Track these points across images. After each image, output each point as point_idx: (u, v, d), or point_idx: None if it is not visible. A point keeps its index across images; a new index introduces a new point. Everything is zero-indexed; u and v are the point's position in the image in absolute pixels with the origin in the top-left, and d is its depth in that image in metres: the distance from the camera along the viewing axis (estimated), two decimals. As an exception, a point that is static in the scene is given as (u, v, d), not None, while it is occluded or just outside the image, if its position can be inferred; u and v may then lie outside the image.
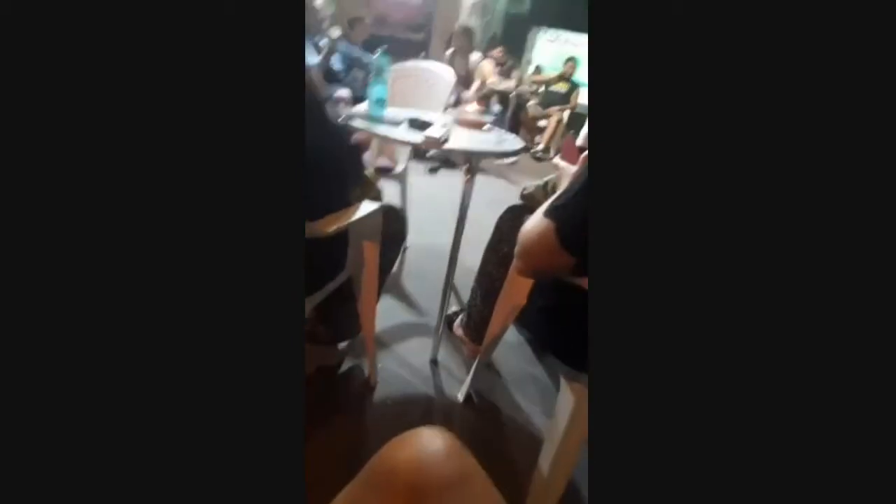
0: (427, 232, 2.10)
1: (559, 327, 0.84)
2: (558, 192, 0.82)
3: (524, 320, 0.94)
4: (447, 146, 1.16)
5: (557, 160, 0.95)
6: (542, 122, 4.94)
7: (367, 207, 0.95)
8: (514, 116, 4.93)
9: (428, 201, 2.35)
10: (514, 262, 0.73)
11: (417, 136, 1.15)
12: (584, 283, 0.73)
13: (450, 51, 4.19)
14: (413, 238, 2.06)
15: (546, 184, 1.10)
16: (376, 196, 1.17)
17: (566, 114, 4.88)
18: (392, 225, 1.18)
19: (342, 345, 1.33)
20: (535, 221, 0.68)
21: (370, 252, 1.00)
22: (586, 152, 0.91)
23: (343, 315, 1.17)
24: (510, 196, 1.98)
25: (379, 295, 1.21)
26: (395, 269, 1.85)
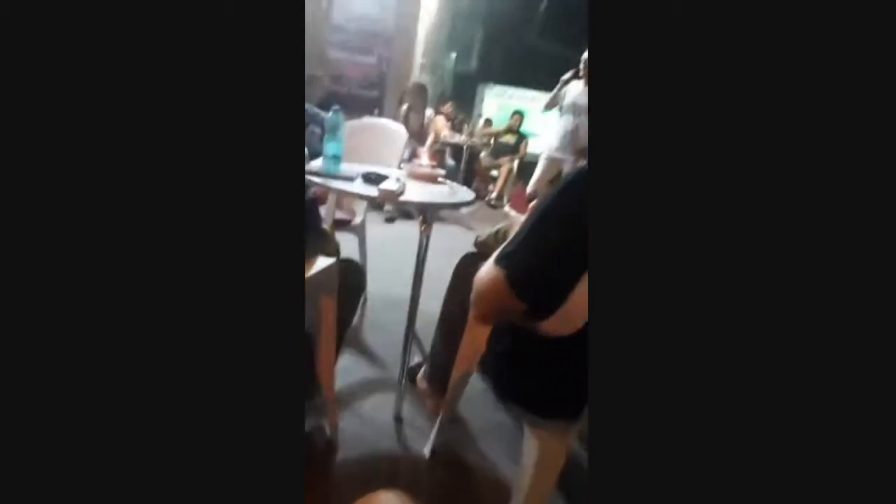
0: (386, 282, 2.09)
1: (518, 373, 0.85)
2: (508, 240, 0.86)
3: (485, 366, 0.95)
4: (403, 198, 1.18)
5: (508, 209, 1.00)
6: (494, 172, 5.15)
7: (322, 262, 0.95)
8: (468, 167, 5.12)
9: (386, 252, 2.36)
10: (472, 309, 0.74)
11: (373, 190, 1.18)
12: (540, 328, 0.75)
13: (404, 107, 4.35)
14: (373, 289, 2.05)
15: (498, 231, 1.14)
16: (334, 250, 1.17)
17: (516, 163, 5.12)
18: (350, 278, 1.18)
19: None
20: (487, 269, 0.71)
21: (327, 307, 0.98)
22: (535, 201, 0.96)
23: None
24: (466, 243, 2.03)
25: (339, 350, 1.19)
26: (354, 321, 1.82)
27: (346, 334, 1.25)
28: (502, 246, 0.73)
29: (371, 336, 1.77)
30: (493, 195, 4.92)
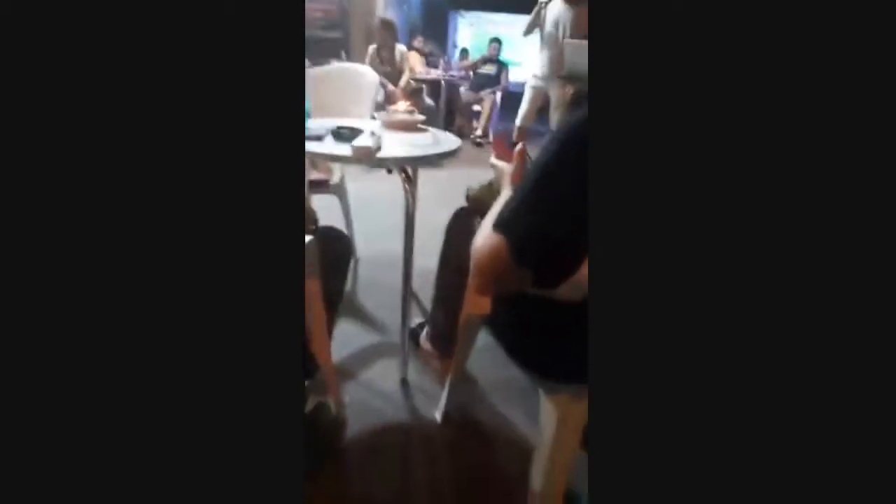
0: (377, 239, 2.00)
1: (529, 339, 0.78)
2: (502, 199, 0.75)
3: (493, 328, 0.88)
4: (380, 154, 1.06)
5: (494, 160, 0.89)
6: (476, 107, 4.90)
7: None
8: (448, 104, 4.86)
9: (374, 206, 2.23)
10: (471, 280, 0.66)
11: (345, 148, 1.05)
12: (548, 294, 0.67)
13: (372, 46, 4.04)
14: (363, 248, 1.96)
15: (491, 184, 1.03)
16: (311, 221, 1.06)
17: (499, 95, 4.86)
18: (334, 248, 1.08)
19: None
20: (486, 237, 0.62)
21: (310, 290, 0.90)
22: (519, 145, 0.85)
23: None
24: (455, 189, 1.92)
25: (332, 326, 1.11)
26: (347, 286, 1.74)
27: (338, 307, 1.17)
28: (499, 208, 0.63)
29: (367, 299, 1.70)
30: (478, 132, 4.71)
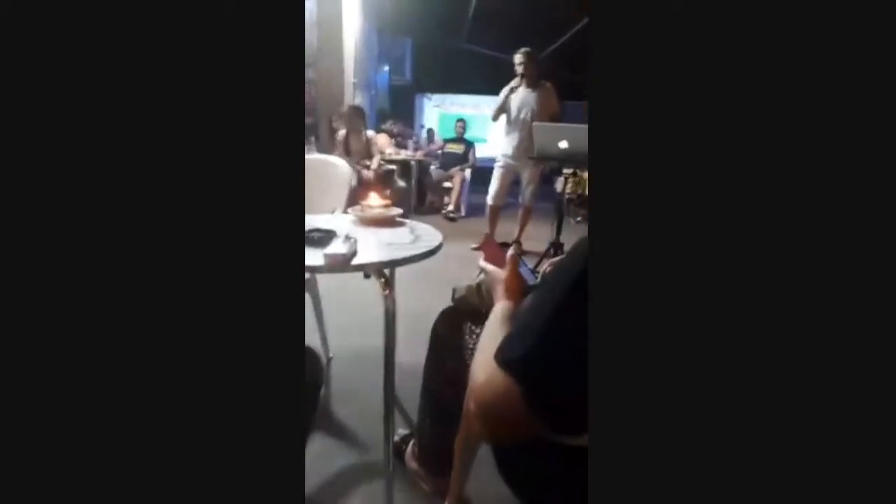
0: (351, 336, 1.86)
1: (544, 486, 0.65)
2: (498, 316, 0.66)
3: (499, 468, 0.75)
4: (356, 261, 0.97)
5: (483, 263, 0.80)
6: (446, 184, 4.98)
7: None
8: (419, 184, 4.94)
9: (346, 299, 2.11)
10: (478, 427, 0.54)
11: (318, 256, 0.95)
12: (565, 440, 0.56)
13: (341, 132, 4.11)
14: (337, 345, 1.81)
15: (479, 286, 0.94)
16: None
17: (468, 172, 4.98)
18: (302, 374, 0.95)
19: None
20: (491, 376, 0.51)
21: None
22: (511, 251, 0.77)
23: None
24: (434, 274, 1.82)
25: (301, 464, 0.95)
26: (322, 391, 1.57)
27: (307, 438, 1.01)
28: (502, 340, 0.53)
29: (343, 411, 1.53)
30: (450, 207, 4.75)
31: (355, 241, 1.00)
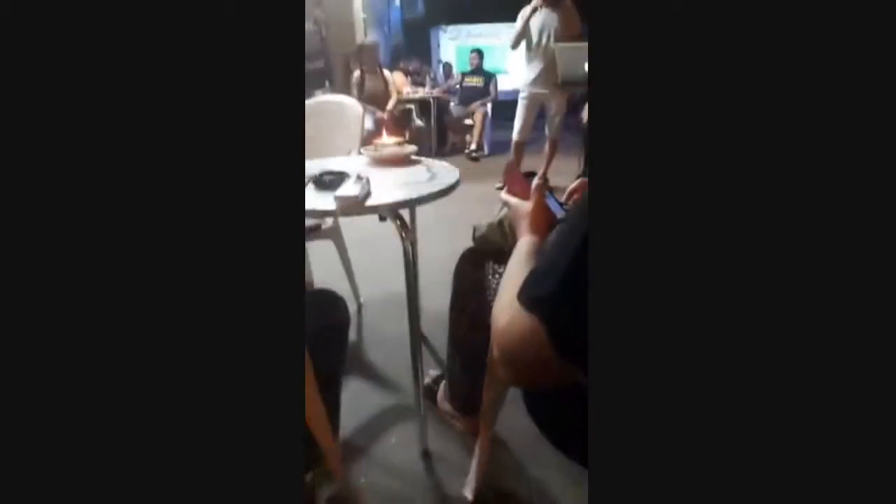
0: (379, 281, 1.85)
1: (567, 423, 0.61)
2: (522, 252, 0.60)
3: (525, 402, 0.72)
4: (370, 203, 0.92)
5: (505, 195, 0.73)
6: (467, 121, 4.78)
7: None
8: (439, 122, 4.75)
9: (375, 245, 2.09)
10: (502, 373, 0.50)
11: (328, 200, 0.90)
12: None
13: (356, 72, 3.94)
14: (366, 292, 1.81)
15: (501, 223, 0.88)
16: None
17: (489, 106, 4.74)
18: (327, 316, 0.93)
19: (307, 477, 1.06)
20: (515, 318, 0.46)
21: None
22: (536, 180, 0.70)
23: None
24: (456, 214, 1.76)
25: (336, 410, 0.95)
26: (353, 338, 1.59)
27: (340, 380, 1.01)
28: (525, 277, 0.48)
29: (374, 351, 1.54)
30: (472, 146, 4.58)
31: (368, 182, 0.94)
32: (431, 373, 1.32)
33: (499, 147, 4.60)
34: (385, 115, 3.77)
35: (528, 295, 0.45)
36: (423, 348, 1.16)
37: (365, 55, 3.88)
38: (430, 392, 1.26)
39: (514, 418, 1.12)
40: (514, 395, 0.89)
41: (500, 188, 3.05)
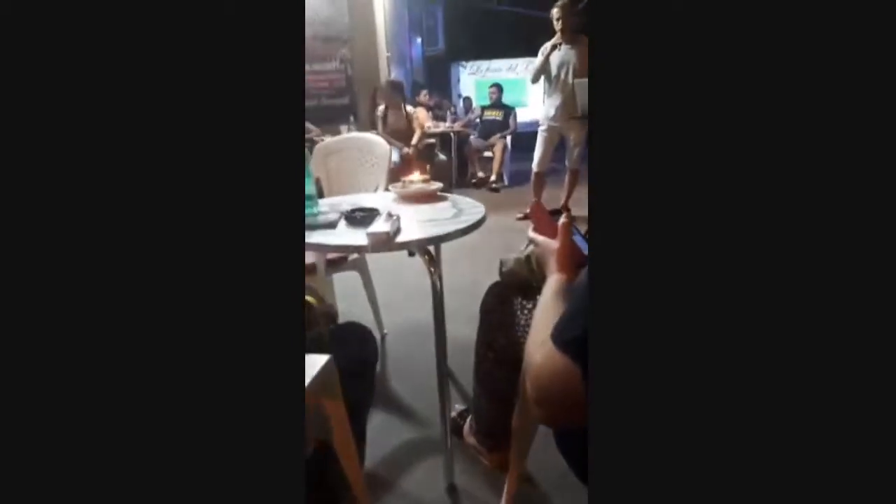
0: (405, 313, 1.87)
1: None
2: (552, 290, 0.61)
3: (562, 450, 0.72)
4: (400, 239, 0.95)
5: (532, 233, 0.75)
6: (487, 153, 4.86)
7: (316, 362, 0.72)
8: (460, 155, 4.85)
9: (399, 275, 2.12)
10: (536, 411, 0.51)
11: (360, 236, 0.94)
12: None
13: (380, 108, 4.08)
14: (390, 321, 1.83)
15: (528, 258, 0.90)
16: (330, 318, 0.94)
17: (508, 139, 4.83)
18: (357, 349, 0.95)
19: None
20: (548, 358, 0.48)
21: (334, 412, 0.76)
22: (562, 218, 0.72)
23: (324, 489, 0.91)
24: (480, 245, 1.78)
25: (362, 448, 0.96)
26: (377, 368, 1.60)
27: (368, 410, 1.03)
28: (558, 319, 0.49)
29: (399, 382, 1.55)
30: (493, 177, 4.65)
31: (398, 219, 0.98)
32: (457, 407, 1.32)
33: (518, 178, 4.67)
34: (410, 151, 3.87)
35: (562, 336, 0.47)
36: (448, 394, 1.17)
37: (391, 92, 4.01)
38: (456, 426, 1.26)
39: (543, 454, 1.11)
40: (542, 431, 0.89)
41: (522, 218, 3.07)
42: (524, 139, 4.65)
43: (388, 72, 4.80)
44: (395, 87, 4.06)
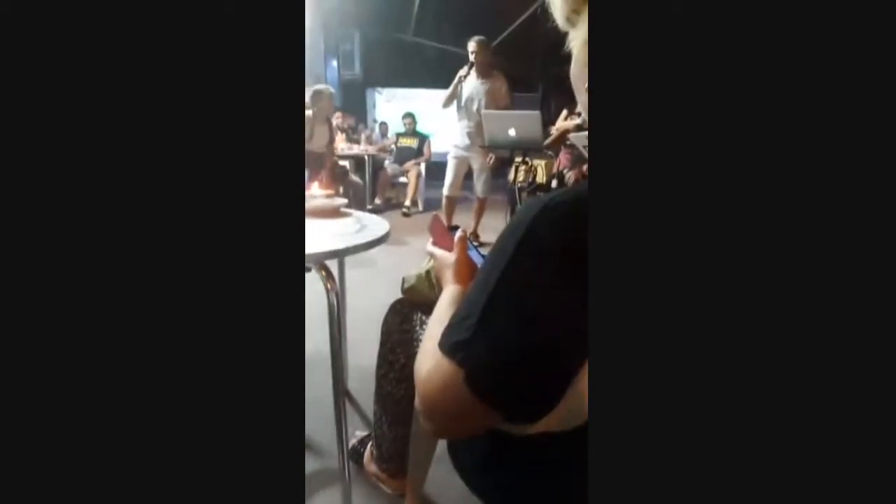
0: (308, 336, 1.76)
1: (501, 480, 0.60)
2: (445, 301, 0.61)
3: (455, 464, 0.70)
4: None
5: (431, 247, 0.75)
6: (402, 179, 4.90)
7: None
8: (374, 178, 4.84)
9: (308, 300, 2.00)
10: (424, 420, 0.49)
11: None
12: (514, 429, 0.51)
13: (308, 112, 3.92)
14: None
15: (428, 273, 0.89)
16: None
17: (423, 166, 4.92)
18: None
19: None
20: (435, 366, 0.46)
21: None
22: (459, 232, 0.73)
23: None
24: (391, 263, 1.75)
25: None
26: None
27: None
28: (446, 323, 0.48)
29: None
30: (407, 202, 4.68)
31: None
32: (358, 434, 1.26)
33: (432, 204, 4.74)
34: (322, 173, 3.74)
35: (447, 341, 0.46)
36: (350, 408, 1.10)
37: (320, 102, 3.67)
38: (357, 454, 1.19)
39: (443, 478, 1.09)
40: (442, 456, 0.87)
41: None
42: (440, 167, 4.77)
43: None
44: (324, 97, 3.70)
